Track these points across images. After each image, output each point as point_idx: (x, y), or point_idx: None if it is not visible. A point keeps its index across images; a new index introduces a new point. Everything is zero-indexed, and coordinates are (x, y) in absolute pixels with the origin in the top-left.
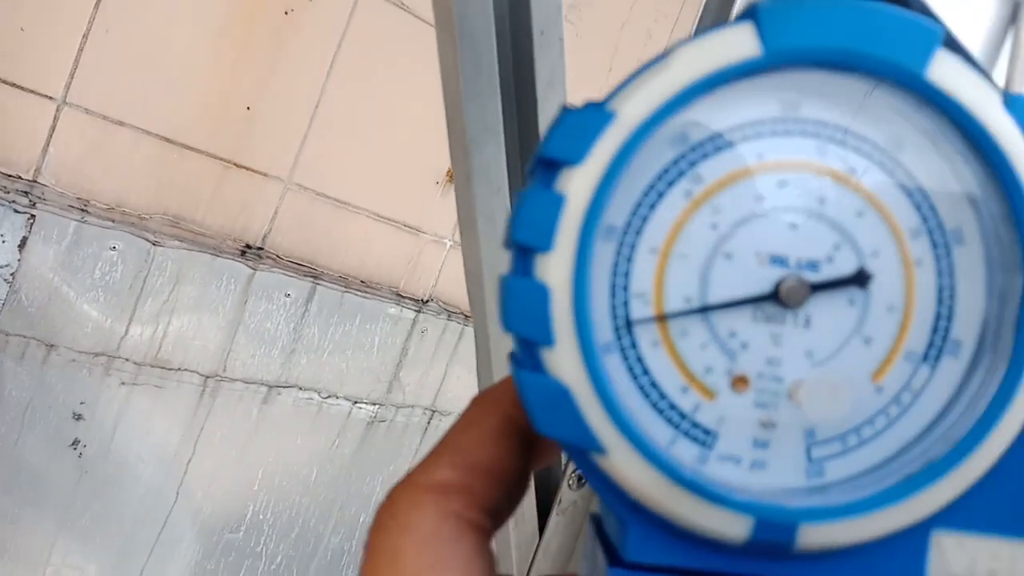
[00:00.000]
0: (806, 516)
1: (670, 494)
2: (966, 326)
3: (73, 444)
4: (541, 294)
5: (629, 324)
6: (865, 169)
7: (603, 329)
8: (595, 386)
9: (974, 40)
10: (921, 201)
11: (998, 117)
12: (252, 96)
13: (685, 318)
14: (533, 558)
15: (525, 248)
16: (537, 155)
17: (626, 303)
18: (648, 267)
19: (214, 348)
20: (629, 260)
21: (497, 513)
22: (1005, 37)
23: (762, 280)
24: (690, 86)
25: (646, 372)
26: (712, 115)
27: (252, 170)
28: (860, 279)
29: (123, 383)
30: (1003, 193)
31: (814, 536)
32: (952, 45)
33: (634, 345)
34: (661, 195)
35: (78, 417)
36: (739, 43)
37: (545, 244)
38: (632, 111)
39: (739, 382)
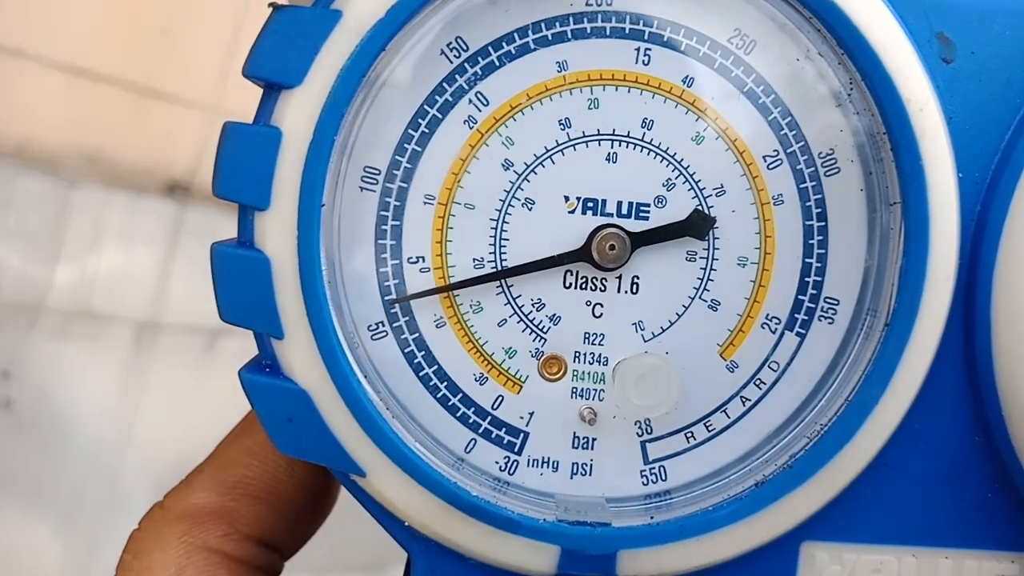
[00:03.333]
0: (626, 541)
1: (450, 522)
2: (843, 280)
3: (4, 403)
4: (259, 267)
5: (404, 299)
6: (702, 77)
7: (367, 308)
8: (340, 388)
9: None
10: (779, 118)
11: (869, 5)
12: (166, 16)
13: (477, 288)
14: None
15: (240, 206)
16: (245, 71)
17: (398, 271)
18: (424, 222)
19: (148, 295)
20: (398, 214)
21: (274, 541)
22: None
23: (573, 232)
24: None
25: (431, 360)
26: (494, 13)
27: (173, 98)
28: (697, 226)
29: (52, 335)
30: (875, 102)
31: (639, 565)
32: None
33: (413, 326)
34: (435, 125)
35: (6, 375)
36: None
37: (259, 200)
38: (363, 9)
39: (551, 365)
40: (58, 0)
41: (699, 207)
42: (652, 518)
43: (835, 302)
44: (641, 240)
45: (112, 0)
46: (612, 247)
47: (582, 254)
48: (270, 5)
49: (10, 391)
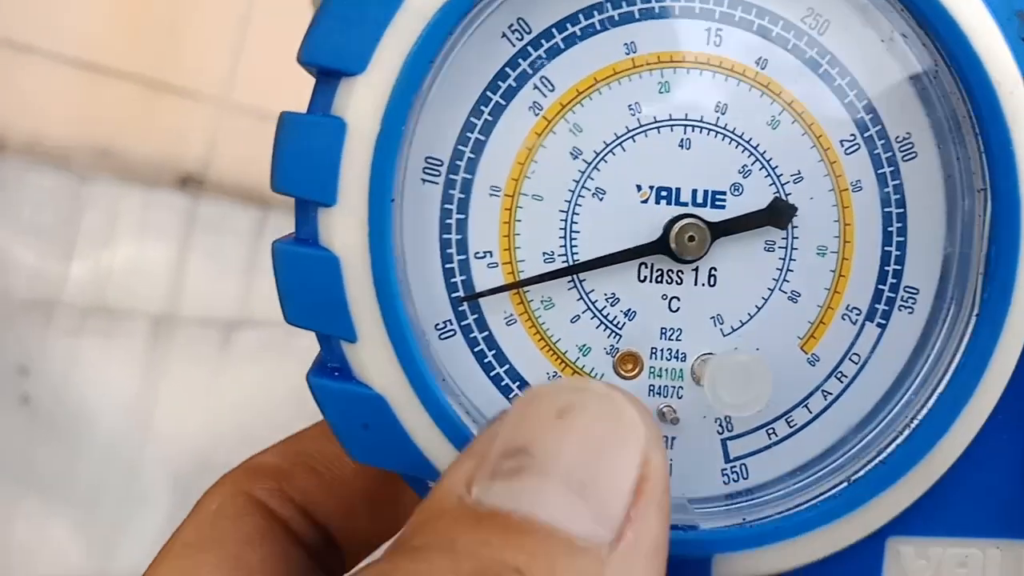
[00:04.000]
0: (721, 545)
1: None
2: (923, 268)
3: (23, 400)
4: (328, 266)
5: (472, 296)
6: (776, 58)
7: (433, 306)
8: (418, 391)
9: None
10: (856, 101)
11: None
12: (174, 9)
13: (548, 283)
14: None
15: (302, 201)
16: (301, 59)
17: (465, 268)
18: (491, 215)
19: (163, 289)
20: (463, 207)
21: (321, 518)
22: None
23: (647, 223)
24: None
25: (502, 359)
26: None
27: (183, 91)
28: (779, 214)
29: (69, 331)
30: (962, 85)
31: (734, 569)
32: None
33: (482, 324)
34: (498, 112)
35: (24, 371)
36: None
37: (325, 196)
38: None
39: (626, 363)
40: None
41: (777, 194)
42: (744, 520)
43: (915, 291)
44: (721, 230)
45: None
46: (692, 238)
47: (660, 246)
48: None
49: (28, 387)
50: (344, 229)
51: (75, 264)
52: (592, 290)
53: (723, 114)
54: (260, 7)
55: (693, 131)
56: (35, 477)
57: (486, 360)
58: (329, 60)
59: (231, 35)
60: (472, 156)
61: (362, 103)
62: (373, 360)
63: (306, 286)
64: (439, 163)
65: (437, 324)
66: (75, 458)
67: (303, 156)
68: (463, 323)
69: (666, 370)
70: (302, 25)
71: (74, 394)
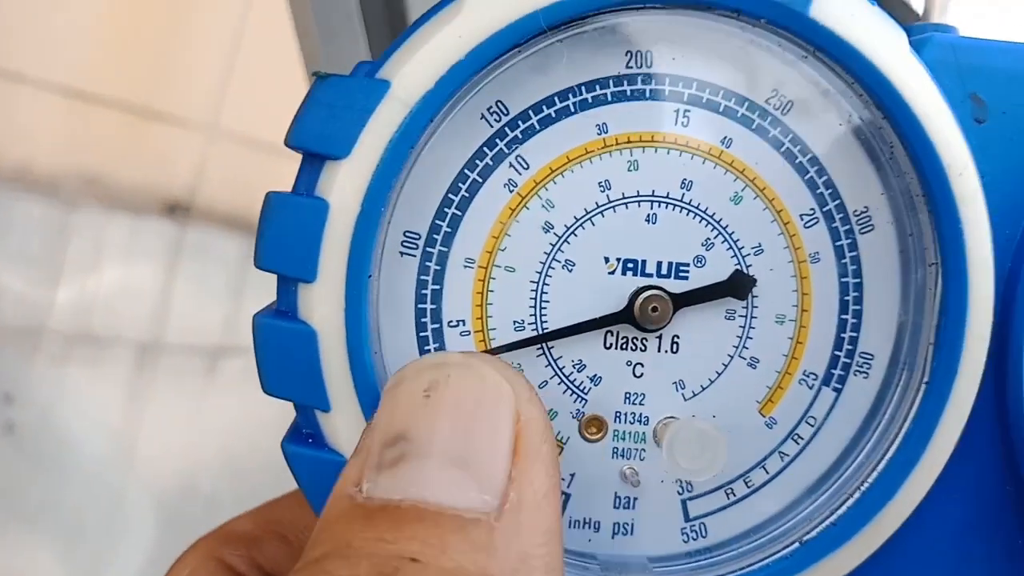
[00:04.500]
0: None
1: None
2: (878, 335)
3: (7, 427)
4: (305, 340)
5: None
6: (740, 138)
7: None
8: None
9: None
10: (816, 177)
11: (903, 63)
12: (164, 37)
13: (518, 350)
14: None
15: (283, 277)
16: (289, 142)
17: (439, 335)
18: (464, 286)
19: (148, 317)
20: (438, 278)
21: None
22: None
23: (613, 294)
24: (489, 40)
25: None
26: (534, 77)
27: (171, 118)
28: (739, 286)
29: (54, 358)
30: (914, 162)
31: None
32: None
33: None
34: (475, 189)
35: (9, 398)
36: None
37: (306, 272)
38: (411, 80)
39: (591, 426)
40: (57, 23)
41: (738, 266)
42: None
43: (870, 357)
44: (683, 301)
45: (110, 23)
46: (655, 308)
47: (625, 316)
48: (314, 74)
49: (13, 414)
50: (322, 304)
51: (61, 291)
52: (560, 357)
53: (688, 190)
54: (248, 37)
55: (660, 207)
56: (19, 505)
57: None
58: (315, 145)
59: (219, 64)
60: (449, 230)
61: (345, 186)
62: (345, 428)
63: (284, 358)
64: (417, 237)
65: None
66: (60, 486)
67: (287, 234)
68: None
69: (630, 433)
70: (289, 55)
71: (59, 422)
